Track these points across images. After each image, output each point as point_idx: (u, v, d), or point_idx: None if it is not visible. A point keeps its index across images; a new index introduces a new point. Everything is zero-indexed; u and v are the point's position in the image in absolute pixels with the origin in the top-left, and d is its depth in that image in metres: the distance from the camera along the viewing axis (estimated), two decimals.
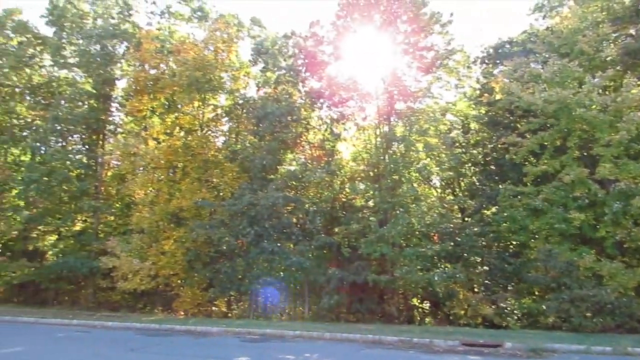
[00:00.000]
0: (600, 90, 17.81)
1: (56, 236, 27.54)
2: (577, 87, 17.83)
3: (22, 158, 29.71)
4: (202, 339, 13.86)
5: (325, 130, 22.75)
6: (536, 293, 18.13)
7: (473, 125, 22.37)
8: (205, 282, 21.52)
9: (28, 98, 29.47)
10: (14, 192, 27.33)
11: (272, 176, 21.69)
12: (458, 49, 22.56)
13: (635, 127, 16.51)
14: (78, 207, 26.05)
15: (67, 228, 26.67)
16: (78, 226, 27.05)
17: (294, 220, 20.68)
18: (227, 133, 25.37)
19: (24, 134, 28.84)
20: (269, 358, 10.94)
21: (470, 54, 23.21)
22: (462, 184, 21.62)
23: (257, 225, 19.73)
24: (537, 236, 18.00)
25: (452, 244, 18.30)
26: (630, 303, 15.23)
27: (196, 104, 23.95)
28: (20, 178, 26.71)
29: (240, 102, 24.42)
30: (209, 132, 24.52)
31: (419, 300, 20.64)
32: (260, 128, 21.96)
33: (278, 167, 22.37)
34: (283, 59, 24.54)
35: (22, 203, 26.65)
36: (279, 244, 19.61)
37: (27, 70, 28.98)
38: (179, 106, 24.49)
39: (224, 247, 20.71)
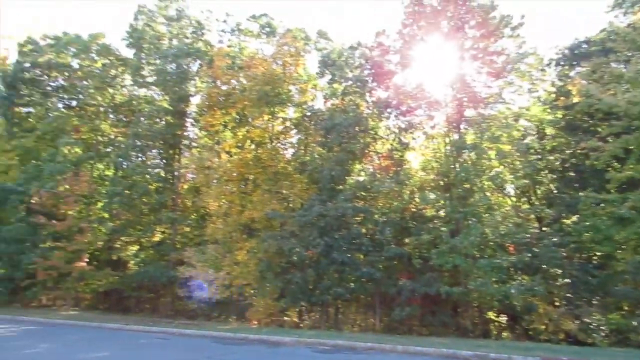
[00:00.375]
0: None
1: (137, 246, 29.39)
2: None
3: (107, 172, 32.10)
4: (275, 348, 14.19)
5: (394, 139, 22.72)
6: (625, 308, 17.04)
7: (549, 131, 21.50)
8: (277, 292, 21.99)
9: (111, 116, 31.88)
10: (99, 204, 29.57)
11: (340, 187, 21.93)
12: (530, 52, 21.76)
13: None
14: (157, 219, 27.72)
15: (147, 239, 28.47)
16: (157, 237, 28.76)
17: (364, 230, 20.76)
18: (296, 145, 25.98)
19: (108, 150, 31.25)
20: None
21: (543, 57, 22.32)
22: (539, 192, 20.79)
23: (327, 236, 20.00)
24: (624, 246, 16.97)
25: (529, 255, 17.61)
26: None
27: (266, 117, 24.77)
28: (104, 192, 28.90)
29: (308, 114, 24.97)
30: (279, 145, 25.25)
31: (495, 314, 19.99)
32: (328, 139, 22.32)
33: (346, 177, 22.57)
34: (350, 70, 24.84)
35: (106, 215, 28.79)
36: (349, 255, 19.75)
37: (110, 90, 31.42)
38: (250, 120, 25.44)
39: (295, 258, 21.05)
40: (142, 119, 28.68)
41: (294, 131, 25.57)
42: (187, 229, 28.87)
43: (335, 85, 24.82)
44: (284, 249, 20.83)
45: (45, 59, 30.43)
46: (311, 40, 27.46)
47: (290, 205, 23.03)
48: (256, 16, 28.57)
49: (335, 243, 19.89)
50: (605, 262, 17.95)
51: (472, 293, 17.87)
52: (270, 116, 24.72)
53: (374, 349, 14.10)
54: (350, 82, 24.15)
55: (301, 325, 22.35)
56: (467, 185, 19.50)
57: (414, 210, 20.97)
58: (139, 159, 29.24)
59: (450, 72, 21.60)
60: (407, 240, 19.83)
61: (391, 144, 22.76)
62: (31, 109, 31.60)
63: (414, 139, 22.71)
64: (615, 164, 17.90)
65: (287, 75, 24.25)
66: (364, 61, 24.19)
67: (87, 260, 27.11)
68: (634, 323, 15.28)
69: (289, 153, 25.69)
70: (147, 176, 28.09)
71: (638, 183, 17.04)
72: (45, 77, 31.33)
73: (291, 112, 25.89)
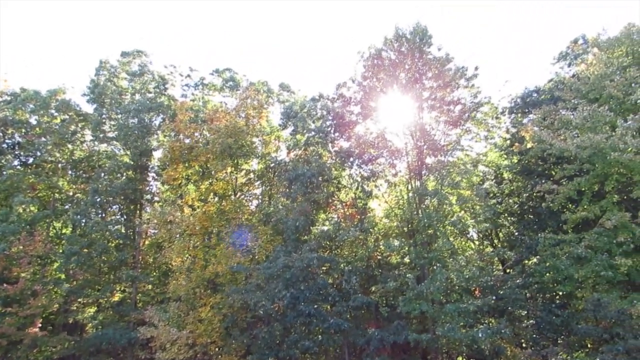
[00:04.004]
0: (634, 133, 18.15)
1: (95, 308, 28.70)
2: (609, 131, 18.30)
3: (64, 231, 31.65)
4: None
5: (357, 188, 23.63)
6: (589, 345, 17.75)
7: (506, 175, 22.87)
8: (243, 348, 21.88)
9: (70, 172, 31.85)
10: (55, 265, 28.99)
11: (305, 237, 22.45)
12: (485, 101, 23.53)
13: None
14: (117, 277, 27.38)
15: (106, 299, 27.86)
16: (117, 296, 28.25)
17: (330, 280, 21.15)
18: (260, 196, 26.59)
19: (66, 207, 30.95)
20: None
21: (497, 105, 24.10)
22: (501, 234, 21.84)
23: (293, 287, 20.24)
24: (583, 285, 17.91)
25: (494, 297, 18.34)
26: None
27: (229, 169, 25.42)
28: (61, 251, 28.43)
29: (272, 165, 25.79)
30: (242, 197, 25.80)
31: (464, 359, 20.36)
32: (292, 190, 23.01)
33: (311, 227, 23.16)
34: (312, 121, 25.99)
35: (62, 276, 28.16)
36: (315, 306, 20.00)
37: (70, 146, 31.56)
38: (213, 172, 26.01)
39: (261, 312, 21.13)
40: (102, 174, 28.87)
41: (258, 183, 26.25)
42: (149, 287, 28.54)
43: (298, 136, 25.86)
44: (250, 303, 20.92)
45: (0, 115, 30.56)
46: (274, 93, 28.76)
47: (255, 257, 23.29)
48: (220, 70, 29.89)
49: (302, 295, 20.12)
50: (567, 301, 18.83)
51: (440, 339, 18.32)
52: (233, 168, 25.40)
53: None
54: (312, 133, 25.23)
55: None
56: (431, 231, 20.35)
57: (379, 257, 21.59)
58: (99, 215, 29.16)
59: (410, 121, 23.00)
60: (373, 289, 20.32)
61: (354, 193, 23.65)
62: None
63: (376, 187, 23.69)
64: (570, 205, 19.10)
65: (250, 127, 25.21)
66: (326, 112, 25.42)
67: (41, 325, 26.23)
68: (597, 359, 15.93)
69: (253, 205, 26.24)
70: (107, 233, 27.95)
71: (592, 223, 18.21)
72: (0, 134, 31.34)
73: (255, 164, 26.67)
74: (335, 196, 24.11)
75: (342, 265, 21.33)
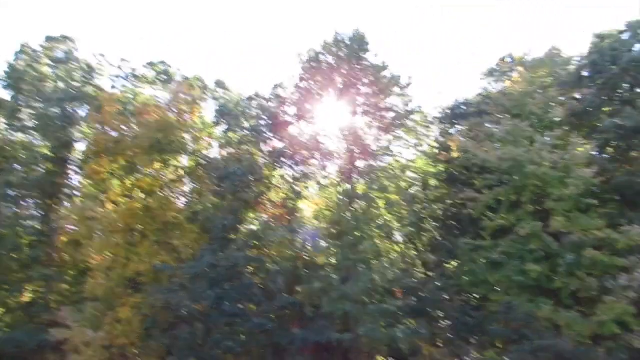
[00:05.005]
0: (550, 149, 19.71)
1: (2, 309, 27.15)
2: (528, 146, 19.83)
3: None
4: None
5: (287, 189, 24.03)
6: (499, 346, 19.04)
7: (432, 182, 24.12)
8: (163, 350, 21.54)
9: None
10: None
11: (233, 236, 22.51)
12: (416, 110, 24.72)
13: (583, 183, 18.43)
14: (28, 277, 26.00)
15: (15, 300, 26.43)
16: (27, 297, 26.84)
17: (256, 280, 21.33)
18: (189, 194, 26.31)
19: None
20: None
21: (428, 115, 25.35)
22: (424, 238, 22.95)
23: (218, 287, 20.25)
24: (497, 289, 19.20)
25: (415, 299, 19.27)
26: (588, 351, 16.34)
27: (157, 165, 24.98)
28: None
29: (203, 162, 25.61)
30: (170, 194, 25.42)
31: (384, 358, 21.21)
32: (222, 188, 23.03)
33: (239, 226, 23.23)
34: (246, 120, 26.16)
35: None
36: (240, 306, 20.12)
37: None
38: (139, 168, 25.42)
39: (184, 312, 20.96)
40: (16, 166, 27.47)
41: (187, 180, 25.99)
42: (65, 286, 27.32)
43: (231, 135, 25.93)
44: (172, 303, 20.68)
45: None
46: (209, 89, 28.61)
47: (181, 256, 23.05)
48: (153, 63, 29.33)
49: (227, 294, 20.16)
50: (482, 303, 20.07)
51: (362, 339, 18.99)
52: (162, 164, 25.00)
53: None
54: (246, 132, 25.39)
55: None
56: (358, 233, 21.09)
57: (306, 258, 22.05)
58: (11, 210, 27.67)
59: (343, 125, 23.75)
60: (299, 289, 20.71)
61: (285, 193, 24.03)
62: None
63: (307, 188, 24.21)
64: (489, 213, 20.39)
65: (181, 123, 24.93)
66: (261, 112, 25.70)
67: None
68: (505, 358, 17.15)
69: (180, 202, 25.93)
70: (19, 229, 26.59)
71: (508, 230, 19.57)
72: None
73: (185, 161, 26.39)
74: (266, 196, 24.35)
75: (268, 265, 21.59)
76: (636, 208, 18.90)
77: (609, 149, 21.22)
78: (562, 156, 19.01)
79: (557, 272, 18.19)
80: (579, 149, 19.68)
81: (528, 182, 19.52)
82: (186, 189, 26.30)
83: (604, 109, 21.09)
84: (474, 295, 20.53)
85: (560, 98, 22.43)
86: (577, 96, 22.11)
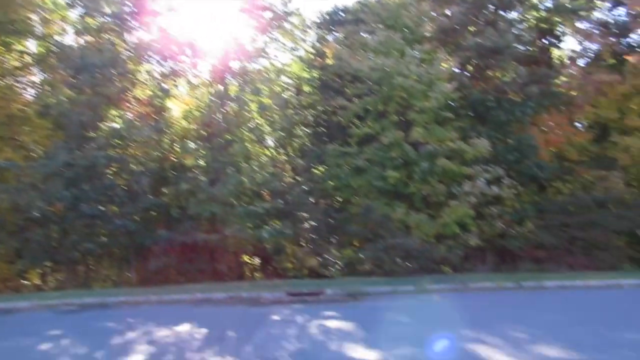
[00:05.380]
0: (418, 62, 20.65)
1: None
2: (399, 58, 20.53)
3: None
4: (8, 316, 13.02)
5: (155, 86, 22.56)
6: (356, 244, 20.83)
7: (306, 88, 24.23)
8: (12, 253, 20.23)
9: None
10: None
11: (92, 134, 20.95)
12: (295, 12, 24.02)
13: (443, 97, 19.83)
14: None
15: None
16: None
17: (119, 181, 20.43)
18: (39, 85, 23.54)
19: None
20: (86, 328, 10.85)
21: (306, 19, 24.85)
22: (295, 144, 23.45)
23: (75, 187, 19.12)
24: (359, 193, 20.59)
25: (282, 202, 19.97)
26: (432, 248, 18.55)
27: None
28: None
29: (55, 50, 22.77)
30: (15, 83, 22.57)
31: (249, 257, 22.20)
32: (79, 80, 20.85)
33: (99, 124, 21.55)
34: (107, 5, 23.38)
35: None
36: (101, 207, 19.31)
37: None
38: None
39: (35, 214, 19.59)
40: None
41: (36, 68, 23.14)
42: None
43: (89, 20, 23.15)
44: (21, 204, 19.17)
45: None
46: None
47: (31, 154, 21.07)
48: None
49: (85, 195, 19.13)
50: (344, 206, 21.52)
51: (228, 239, 19.49)
52: (2, 47, 21.84)
53: (127, 302, 14.18)
54: (107, 19, 22.83)
55: (45, 287, 21.06)
56: (228, 136, 20.86)
57: (174, 159, 21.48)
58: None
59: (219, 21, 22.37)
60: (165, 191, 20.31)
61: (152, 91, 22.55)
62: None
63: (176, 86, 22.99)
64: (357, 121, 21.26)
65: (25, 0, 21.65)
66: None
67: None
68: (361, 256, 18.87)
69: (29, 94, 23.19)
70: None
71: (373, 139, 20.68)
72: None
73: (33, 47, 23.29)
74: (130, 92, 22.61)
75: (133, 166, 20.67)
76: (486, 123, 21.00)
77: (469, 67, 22.83)
78: (427, 70, 20.06)
79: (412, 178, 19.93)
80: (443, 64, 20.92)
81: (395, 93, 20.50)
82: (35, 79, 23.44)
83: (469, 28, 22.33)
84: (338, 198, 21.85)
85: (432, 13, 23.30)
86: (448, 13, 23.07)
